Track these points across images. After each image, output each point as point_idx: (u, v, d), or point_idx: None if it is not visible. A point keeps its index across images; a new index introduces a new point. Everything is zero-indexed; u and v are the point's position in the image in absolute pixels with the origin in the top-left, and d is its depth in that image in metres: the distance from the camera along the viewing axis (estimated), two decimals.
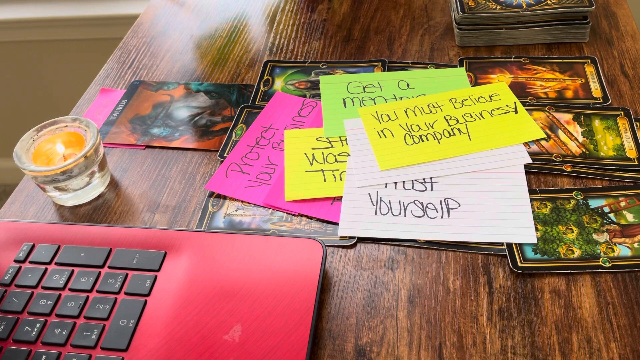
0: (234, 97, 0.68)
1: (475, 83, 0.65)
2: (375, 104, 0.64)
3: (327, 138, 0.61)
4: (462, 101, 0.63)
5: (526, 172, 0.55)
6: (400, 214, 0.52)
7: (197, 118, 0.65)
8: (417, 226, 0.51)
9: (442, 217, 0.52)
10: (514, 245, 0.49)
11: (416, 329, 0.45)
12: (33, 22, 1.40)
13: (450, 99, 0.63)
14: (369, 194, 0.54)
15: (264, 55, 0.73)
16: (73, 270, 0.49)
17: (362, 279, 0.49)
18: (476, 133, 0.59)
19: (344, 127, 0.61)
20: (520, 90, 0.64)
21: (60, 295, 0.47)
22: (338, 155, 0.59)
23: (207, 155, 0.61)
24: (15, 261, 0.50)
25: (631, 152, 0.56)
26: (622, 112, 0.60)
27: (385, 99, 0.64)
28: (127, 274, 0.48)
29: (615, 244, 0.49)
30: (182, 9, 0.84)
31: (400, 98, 0.64)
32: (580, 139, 0.58)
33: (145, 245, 0.50)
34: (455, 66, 0.68)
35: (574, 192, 0.53)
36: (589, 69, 0.65)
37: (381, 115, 0.62)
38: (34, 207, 0.58)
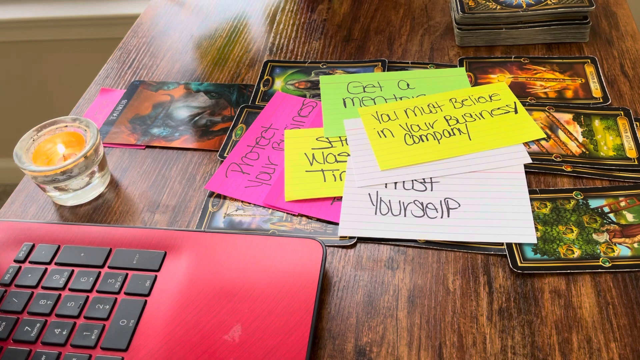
0: (234, 97, 0.68)
1: (475, 83, 0.65)
2: (375, 104, 0.64)
3: (327, 138, 0.61)
4: (462, 101, 0.63)
5: (526, 172, 0.55)
6: (400, 214, 0.52)
7: (197, 118, 0.65)
8: (417, 226, 0.51)
9: (442, 217, 0.52)
10: (514, 245, 0.49)
11: (416, 329, 0.45)
12: (33, 22, 1.40)
13: (450, 99, 0.63)
14: (369, 194, 0.54)
15: (264, 55, 0.73)
16: (73, 270, 0.49)
17: (362, 279, 0.49)
18: (476, 133, 0.59)
19: (344, 127, 0.61)
20: (520, 90, 0.64)
21: (60, 295, 0.47)
22: (338, 155, 0.59)
23: (207, 155, 0.61)
24: (15, 261, 0.50)
25: (631, 152, 0.56)
26: (622, 112, 0.60)
27: (385, 99, 0.64)
28: (127, 274, 0.48)
29: (615, 244, 0.49)
30: (182, 9, 0.84)
31: (400, 98, 0.64)
32: (580, 139, 0.58)
33: (145, 245, 0.50)
34: (455, 66, 0.68)
35: (574, 192, 0.53)
36: (589, 69, 0.65)
37: (381, 115, 0.62)
38: (34, 207, 0.58)
